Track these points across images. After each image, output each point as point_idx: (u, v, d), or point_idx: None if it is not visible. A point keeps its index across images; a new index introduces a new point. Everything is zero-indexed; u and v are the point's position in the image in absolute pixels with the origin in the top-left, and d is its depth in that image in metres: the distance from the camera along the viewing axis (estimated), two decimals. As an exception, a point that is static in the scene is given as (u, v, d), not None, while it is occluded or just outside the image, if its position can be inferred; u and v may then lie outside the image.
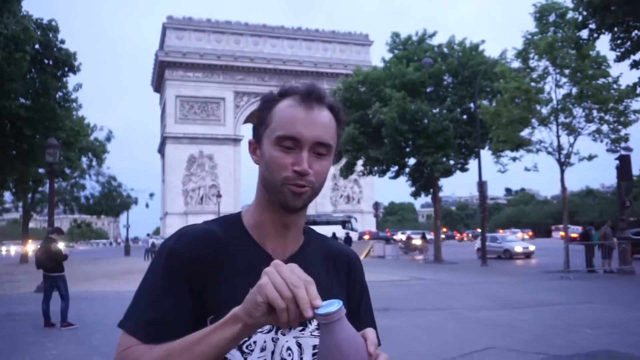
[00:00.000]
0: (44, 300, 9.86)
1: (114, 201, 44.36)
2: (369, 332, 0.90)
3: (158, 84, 73.81)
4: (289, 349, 1.09)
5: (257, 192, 1.19)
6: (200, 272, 1.08)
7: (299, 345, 1.10)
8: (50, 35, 20.83)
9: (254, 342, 1.07)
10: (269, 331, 1.08)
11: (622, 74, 19.41)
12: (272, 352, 1.08)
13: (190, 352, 0.92)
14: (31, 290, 15.97)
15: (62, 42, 21.22)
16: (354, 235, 43.86)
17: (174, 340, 0.96)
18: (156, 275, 1.08)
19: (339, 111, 1.15)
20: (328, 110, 1.13)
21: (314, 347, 1.11)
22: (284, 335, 1.09)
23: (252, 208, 1.22)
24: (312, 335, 1.12)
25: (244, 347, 1.06)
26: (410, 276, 19.53)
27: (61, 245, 10.47)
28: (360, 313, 1.24)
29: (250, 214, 1.20)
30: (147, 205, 51.06)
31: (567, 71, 20.02)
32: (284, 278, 0.85)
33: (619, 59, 18.17)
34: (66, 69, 21.45)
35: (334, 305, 0.84)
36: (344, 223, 49.61)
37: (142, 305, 1.06)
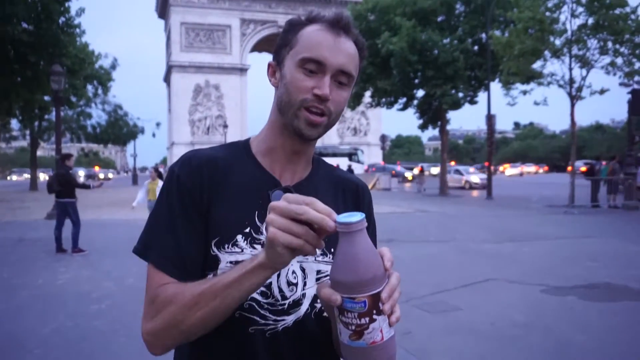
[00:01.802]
0: (56, 227, 10.05)
1: (120, 130, 44.34)
2: (385, 250, 0.91)
3: (162, 10, 71.95)
4: (294, 272, 1.11)
5: (270, 116, 1.18)
6: (205, 197, 1.08)
7: (303, 269, 1.12)
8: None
9: None
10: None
11: (641, 4, 18.74)
12: (278, 275, 1.10)
13: (222, 297, 0.94)
14: (42, 217, 16.30)
15: (63, -36, 20.58)
16: (359, 167, 43.95)
17: (197, 267, 1.00)
18: (168, 203, 1.09)
19: (363, 46, 1.14)
20: (353, 42, 1.11)
21: (318, 272, 1.13)
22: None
23: (262, 133, 1.21)
24: (316, 260, 1.13)
25: None
26: (415, 208, 19.75)
27: (82, 176, 10.77)
28: None
29: (260, 139, 1.20)
30: (153, 135, 51.08)
31: (584, 0, 19.31)
32: (285, 215, 0.85)
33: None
34: (68, -8, 20.91)
35: (357, 216, 0.84)
36: (350, 155, 49.65)
37: (163, 234, 1.07)
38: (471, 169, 40.30)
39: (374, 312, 0.85)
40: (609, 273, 7.86)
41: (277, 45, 1.14)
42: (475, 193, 30.59)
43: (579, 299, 6.46)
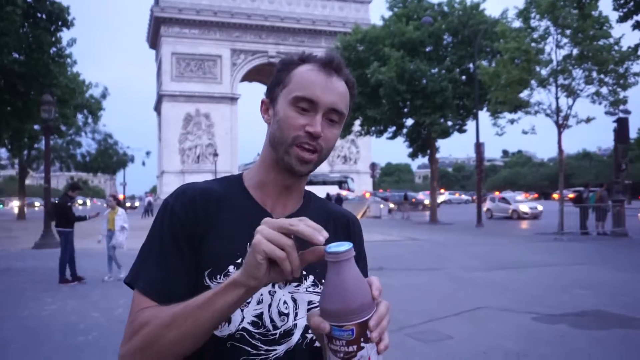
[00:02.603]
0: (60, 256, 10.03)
1: (110, 159, 44.26)
2: (374, 279, 0.92)
3: (154, 41, 72.53)
4: (285, 302, 1.12)
5: (262, 151, 1.21)
6: (199, 230, 1.10)
7: (294, 300, 1.13)
8: (43, -12, 20.37)
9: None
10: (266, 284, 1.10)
11: (624, 35, 19.16)
12: (269, 305, 1.10)
13: (194, 317, 0.93)
14: (29, 246, 16.10)
15: (55, -6, 20.77)
16: (349, 194, 43.98)
17: (184, 297, 0.98)
18: (160, 234, 1.10)
19: (353, 85, 1.18)
20: (344, 82, 1.15)
21: (309, 302, 1.13)
22: (280, 288, 1.11)
23: (254, 168, 1.23)
24: (307, 291, 1.14)
25: None
26: (405, 236, 19.73)
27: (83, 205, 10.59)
28: None
29: (252, 174, 1.22)
30: (143, 164, 51.06)
31: (568, 31, 19.72)
32: (275, 227, 0.87)
33: (622, 20, 17.90)
34: (59, 23, 21.05)
35: (345, 245, 0.86)
36: (341, 183, 49.72)
37: (151, 264, 1.08)
38: (519, 196, 35.39)
39: (362, 340, 0.86)
40: (599, 301, 7.87)
41: (271, 83, 1.18)
42: (524, 224, 26.52)
43: (570, 327, 6.44)
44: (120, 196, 66.20)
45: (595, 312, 7.19)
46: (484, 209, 33.71)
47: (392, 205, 38.62)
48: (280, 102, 1.13)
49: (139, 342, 0.98)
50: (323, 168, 63.68)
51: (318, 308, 0.92)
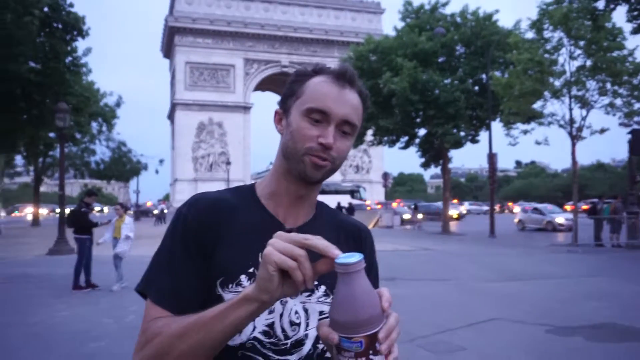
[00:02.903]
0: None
1: (123, 167, 44.57)
2: (384, 290, 0.92)
3: (168, 50, 73.29)
4: (297, 312, 1.12)
5: (275, 162, 1.22)
6: (211, 239, 1.11)
7: (306, 310, 1.13)
8: (59, -2, 20.68)
9: None
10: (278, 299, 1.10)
11: (638, 46, 19.06)
12: (281, 314, 1.10)
13: (206, 329, 0.94)
14: (43, 252, 16.23)
15: (71, 5, 21.05)
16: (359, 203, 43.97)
17: (196, 306, 0.99)
18: (172, 243, 1.11)
19: (367, 97, 1.19)
20: (357, 94, 1.16)
21: (320, 313, 1.13)
22: (292, 298, 1.11)
23: (267, 178, 1.24)
24: (318, 301, 1.14)
25: None
26: (417, 246, 19.64)
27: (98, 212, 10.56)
28: None
29: (265, 184, 1.23)
30: (157, 172, 51.29)
31: (581, 43, 19.61)
32: (288, 239, 0.88)
33: (636, 31, 17.75)
34: (75, 33, 21.34)
35: (355, 257, 0.85)
36: (353, 193, 49.63)
37: (163, 273, 1.09)
38: (550, 206, 33.19)
39: (371, 352, 0.85)
40: (614, 313, 7.77)
41: (284, 94, 1.19)
42: (560, 237, 24.60)
43: (584, 340, 6.36)
44: (149, 203, 66.53)
45: (610, 324, 7.09)
46: (515, 220, 32.81)
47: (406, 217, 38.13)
48: (294, 113, 1.14)
49: (151, 352, 0.99)
50: (335, 177, 63.64)
51: (328, 318, 0.92)
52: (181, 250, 1.09)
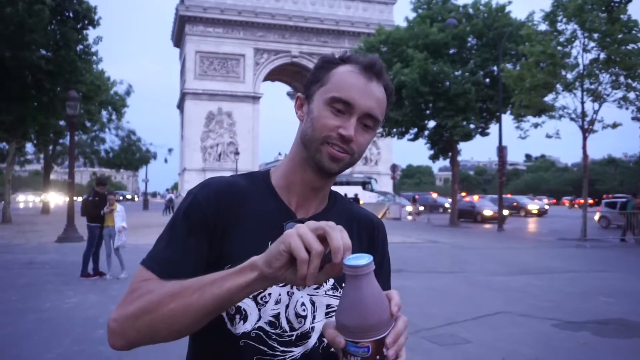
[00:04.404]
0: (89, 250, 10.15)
1: (133, 155, 44.82)
2: (394, 293, 0.89)
3: (178, 39, 73.24)
4: (303, 304, 1.10)
5: (292, 149, 1.20)
6: (221, 223, 1.09)
7: (313, 303, 1.11)
8: (70, -14, 20.73)
9: (269, 294, 1.08)
10: (285, 285, 1.08)
11: (653, 39, 18.80)
12: (287, 306, 1.09)
13: (201, 292, 0.90)
14: (52, 240, 16.36)
15: (83, -6, 21.12)
16: (368, 196, 43.63)
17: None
18: (178, 220, 1.10)
19: (392, 92, 1.17)
20: (383, 88, 1.13)
21: (328, 306, 1.12)
22: (299, 290, 1.10)
23: (282, 165, 1.22)
24: (326, 294, 1.13)
25: (258, 298, 1.07)
26: (425, 239, 19.61)
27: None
28: (379, 280, 1.23)
29: (280, 172, 1.21)
30: (165, 161, 51.59)
31: (595, 35, 19.41)
32: (312, 229, 0.84)
33: (652, 24, 17.58)
34: (86, 22, 21.40)
35: (364, 259, 0.81)
36: (364, 184, 49.53)
37: (162, 244, 1.08)
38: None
39: (378, 357, 0.83)
40: (623, 309, 7.72)
41: (308, 80, 1.16)
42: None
43: (592, 335, 6.33)
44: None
45: (619, 320, 7.05)
46: (596, 217, 28.24)
47: (410, 209, 37.96)
48: (316, 100, 1.12)
49: (136, 308, 0.95)
50: (344, 169, 63.49)
51: (334, 319, 0.90)
52: (185, 227, 1.08)
